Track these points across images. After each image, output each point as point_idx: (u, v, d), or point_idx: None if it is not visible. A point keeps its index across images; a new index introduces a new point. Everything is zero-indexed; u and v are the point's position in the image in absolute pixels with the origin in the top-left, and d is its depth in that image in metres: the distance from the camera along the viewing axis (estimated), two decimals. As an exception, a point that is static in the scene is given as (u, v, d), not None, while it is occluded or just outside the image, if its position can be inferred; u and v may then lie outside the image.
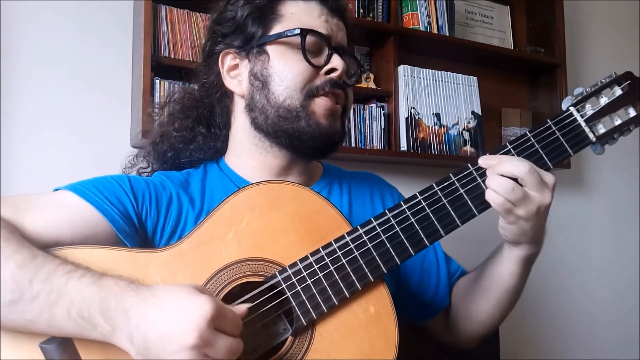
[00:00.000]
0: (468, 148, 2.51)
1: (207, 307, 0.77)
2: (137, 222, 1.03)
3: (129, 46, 2.08)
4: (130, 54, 2.08)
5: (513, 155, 0.98)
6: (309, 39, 1.07)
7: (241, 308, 0.85)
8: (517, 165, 0.93)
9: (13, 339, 0.85)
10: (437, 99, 2.49)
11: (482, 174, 0.97)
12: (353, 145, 2.30)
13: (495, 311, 1.13)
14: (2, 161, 1.86)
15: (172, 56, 2.02)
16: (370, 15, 2.40)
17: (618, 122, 1.01)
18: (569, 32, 2.85)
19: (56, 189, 1.02)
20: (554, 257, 2.84)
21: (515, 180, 0.93)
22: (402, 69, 2.41)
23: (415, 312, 1.23)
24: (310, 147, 1.09)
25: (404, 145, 2.38)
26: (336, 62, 1.09)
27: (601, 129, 1.01)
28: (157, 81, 1.97)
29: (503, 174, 0.94)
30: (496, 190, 0.93)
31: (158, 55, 1.99)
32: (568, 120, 1.00)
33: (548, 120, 1.00)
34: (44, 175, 1.91)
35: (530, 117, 2.78)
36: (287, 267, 0.92)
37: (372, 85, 2.42)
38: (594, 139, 1.00)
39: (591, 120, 1.00)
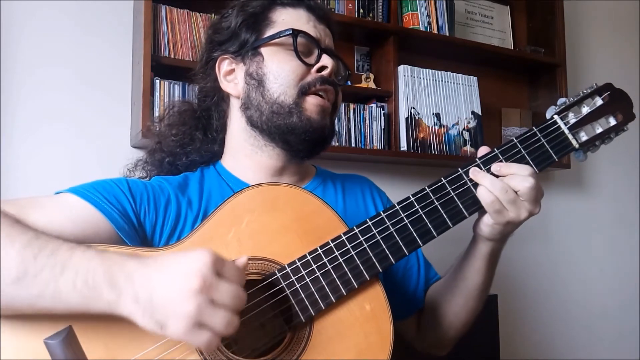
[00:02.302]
0: (468, 148, 2.51)
1: (206, 255, 0.79)
2: (136, 222, 1.05)
3: (129, 46, 2.09)
4: (130, 54, 2.09)
5: (501, 160, 1.02)
6: (300, 39, 1.14)
7: (242, 259, 0.87)
8: (522, 182, 0.98)
9: (17, 335, 0.85)
10: (437, 99, 2.50)
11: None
12: (353, 145, 2.31)
13: (461, 311, 1.17)
14: (2, 161, 1.87)
15: (172, 56, 2.03)
16: (370, 15, 2.41)
17: (599, 130, 1.06)
18: (569, 32, 2.85)
19: (57, 193, 1.05)
20: (554, 256, 2.85)
21: None
22: (402, 69, 2.42)
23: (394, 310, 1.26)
24: (303, 140, 1.13)
25: (404, 145, 2.39)
26: (326, 60, 1.15)
27: (583, 137, 1.06)
28: (157, 81, 1.98)
29: (510, 186, 0.99)
30: (488, 187, 0.99)
31: (158, 55, 2.00)
32: (552, 128, 1.05)
33: (533, 127, 1.04)
34: (44, 174, 1.91)
35: (530, 117, 2.79)
36: (286, 266, 0.93)
37: (372, 85, 2.43)
38: (577, 146, 1.05)
39: (574, 128, 1.05)
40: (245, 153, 1.20)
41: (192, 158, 1.26)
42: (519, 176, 0.99)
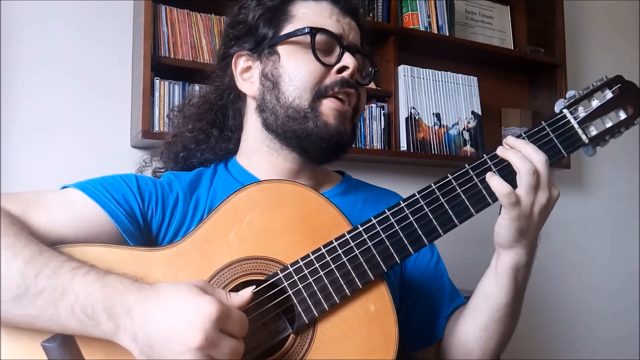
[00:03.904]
0: (468, 148, 2.51)
1: (213, 308, 0.76)
2: (143, 222, 1.02)
3: (129, 46, 2.09)
4: (130, 54, 2.09)
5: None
6: (319, 37, 1.06)
7: (246, 294, 0.84)
8: (537, 152, 0.94)
9: (14, 338, 0.84)
10: (437, 99, 2.50)
11: (479, 174, 0.97)
12: (353, 145, 2.29)
13: (482, 336, 1.05)
14: (2, 161, 1.86)
15: (172, 56, 2.03)
16: (370, 15, 2.41)
17: (609, 124, 1.02)
18: (569, 32, 2.86)
19: (64, 187, 1.02)
20: (554, 256, 2.84)
21: None
22: (402, 69, 2.42)
23: (412, 337, 1.18)
24: (319, 147, 1.07)
25: (404, 145, 2.38)
26: (347, 60, 1.07)
27: (593, 131, 1.02)
28: (157, 81, 1.98)
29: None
30: (517, 164, 0.93)
31: (158, 55, 2.00)
32: (561, 122, 1.01)
33: (542, 122, 1.00)
34: (44, 174, 1.91)
35: (530, 117, 2.79)
36: (289, 265, 0.92)
37: (372, 85, 2.42)
38: (586, 141, 1.01)
39: (583, 123, 1.01)
40: (261, 154, 1.14)
41: (206, 156, 1.22)
42: (530, 149, 0.94)
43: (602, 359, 2.88)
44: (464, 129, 2.53)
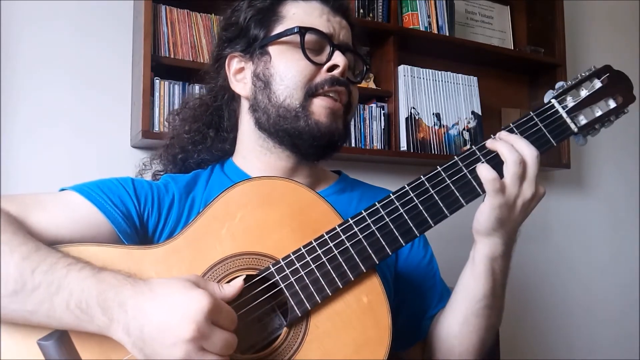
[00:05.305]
0: (468, 148, 2.51)
1: (205, 301, 0.77)
2: (139, 223, 1.04)
3: (129, 46, 2.10)
4: (130, 54, 2.10)
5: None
6: (309, 37, 1.08)
7: (237, 283, 0.86)
8: (529, 146, 0.94)
9: (11, 336, 0.85)
10: (437, 99, 2.50)
11: (468, 164, 0.98)
12: (353, 145, 2.31)
13: (462, 330, 1.05)
14: (2, 161, 1.87)
15: (172, 56, 2.04)
16: (370, 15, 2.41)
17: (599, 113, 1.02)
18: (569, 32, 2.86)
19: (62, 189, 1.04)
20: (553, 256, 2.84)
21: None
22: (402, 69, 2.43)
23: (399, 335, 1.14)
24: (311, 145, 1.09)
25: (404, 145, 2.39)
26: (338, 58, 1.08)
27: (582, 120, 1.02)
28: (157, 81, 1.99)
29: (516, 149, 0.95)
30: (504, 154, 0.94)
31: (158, 55, 2.01)
32: (550, 112, 1.01)
33: (530, 112, 1.01)
34: (44, 175, 1.92)
35: (531, 117, 2.79)
36: (280, 260, 0.92)
37: (372, 85, 2.43)
38: (575, 130, 1.01)
39: (572, 112, 1.01)
40: (255, 154, 1.15)
41: (202, 157, 1.24)
42: (523, 143, 0.95)
43: (601, 359, 2.88)
44: (464, 129, 2.53)
